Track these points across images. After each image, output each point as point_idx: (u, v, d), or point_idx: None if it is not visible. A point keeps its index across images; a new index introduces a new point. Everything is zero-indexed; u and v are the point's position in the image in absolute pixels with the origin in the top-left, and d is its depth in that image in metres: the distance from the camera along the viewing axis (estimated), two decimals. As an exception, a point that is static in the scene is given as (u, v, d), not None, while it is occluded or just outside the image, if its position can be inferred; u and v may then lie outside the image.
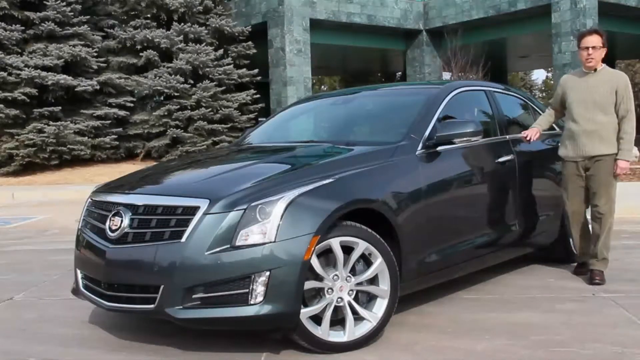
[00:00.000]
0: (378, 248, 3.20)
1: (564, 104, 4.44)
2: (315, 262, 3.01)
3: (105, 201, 3.51)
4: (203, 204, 3.00)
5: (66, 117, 15.46)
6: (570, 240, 4.61)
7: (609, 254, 4.36)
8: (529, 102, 5.14)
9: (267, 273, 2.89)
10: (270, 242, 2.91)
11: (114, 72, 16.53)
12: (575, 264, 4.64)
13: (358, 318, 3.18)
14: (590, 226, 4.46)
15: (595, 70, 4.29)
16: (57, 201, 11.20)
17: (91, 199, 3.69)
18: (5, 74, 14.93)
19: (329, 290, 3.09)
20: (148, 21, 16.89)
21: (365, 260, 3.22)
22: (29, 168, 15.18)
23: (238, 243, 2.92)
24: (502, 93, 4.79)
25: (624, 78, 4.27)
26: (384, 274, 3.22)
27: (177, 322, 3.00)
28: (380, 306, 3.23)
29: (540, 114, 4.77)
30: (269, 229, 2.92)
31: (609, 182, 4.27)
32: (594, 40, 4.25)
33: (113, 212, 3.29)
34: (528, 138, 4.42)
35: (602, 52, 4.27)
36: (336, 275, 3.11)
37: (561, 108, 4.51)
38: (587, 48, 4.25)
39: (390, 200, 3.40)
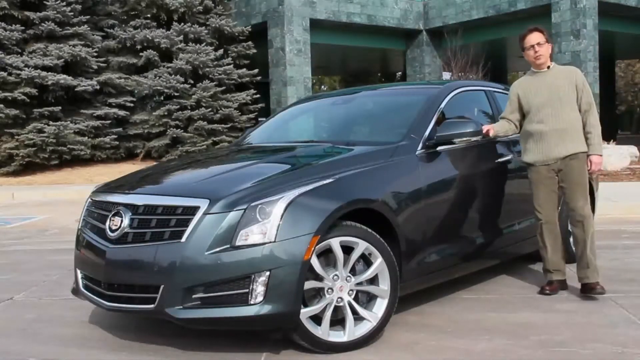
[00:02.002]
0: (378, 248, 3.21)
1: (521, 110, 4.12)
2: (315, 262, 3.01)
3: (105, 201, 3.51)
4: (203, 204, 3.00)
5: (66, 117, 15.45)
6: (543, 255, 4.14)
7: (596, 259, 4.04)
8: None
9: (267, 273, 2.89)
10: (270, 242, 2.91)
11: (114, 72, 16.51)
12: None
13: (358, 318, 3.18)
14: (562, 235, 4.18)
15: (548, 67, 4.11)
16: (57, 201, 11.19)
17: (91, 199, 3.70)
18: (5, 74, 14.92)
19: (329, 290, 3.09)
20: (148, 21, 16.87)
21: (365, 260, 3.22)
22: (29, 168, 15.16)
23: (238, 243, 2.92)
24: (502, 93, 4.80)
25: (579, 72, 4.12)
26: (384, 274, 3.23)
27: (177, 322, 3.00)
28: (380, 306, 3.23)
29: None
30: (269, 228, 2.93)
31: (584, 182, 4.04)
32: (536, 37, 4.05)
33: (113, 212, 3.29)
34: (486, 132, 4.03)
35: (549, 48, 4.08)
36: (336, 275, 3.11)
37: (520, 116, 4.15)
38: (532, 46, 4.04)
39: (390, 200, 3.40)
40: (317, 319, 3.07)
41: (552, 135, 4.00)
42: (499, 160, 4.29)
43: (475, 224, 4.06)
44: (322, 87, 43.79)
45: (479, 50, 18.80)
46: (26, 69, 14.95)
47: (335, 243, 3.08)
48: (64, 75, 15.28)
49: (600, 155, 4.04)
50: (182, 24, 16.66)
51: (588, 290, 3.97)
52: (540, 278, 4.39)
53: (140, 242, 3.10)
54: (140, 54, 16.45)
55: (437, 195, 3.73)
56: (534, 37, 4.06)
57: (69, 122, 15.20)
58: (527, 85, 4.14)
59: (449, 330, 3.46)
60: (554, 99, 4.01)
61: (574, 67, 4.17)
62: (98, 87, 15.90)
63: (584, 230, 4.01)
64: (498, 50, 24.15)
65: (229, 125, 16.61)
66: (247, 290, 2.90)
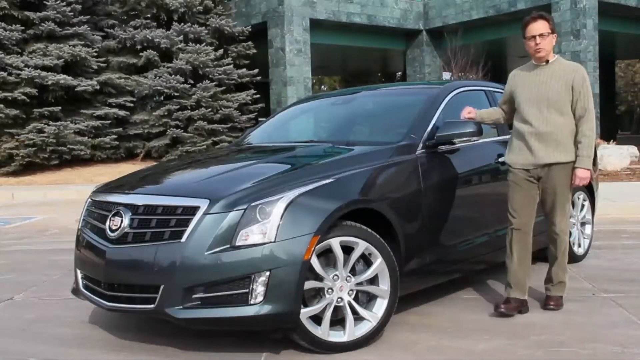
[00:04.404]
0: (378, 248, 3.21)
1: (513, 103, 3.82)
2: (315, 262, 3.01)
3: (105, 201, 3.51)
4: (203, 204, 3.00)
5: (66, 117, 15.45)
6: (508, 265, 3.77)
7: (566, 276, 3.81)
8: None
9: (267, 273, 2.89)
10: (270, 242, 2.91)
11: (114, 72, 16.52)
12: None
13: (358, 318, 3.18)
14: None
15: (547, 62, 3.68)
16: (57, 201, 11.19)
17: (91, 199, 3.70)
18: (5, 74, 14.92)
19: (329, 290, 3.09)
20: (148, 21, 16.89)
21: (365, 260, 3.22)
22: (29, 168, 15.16)
23: (238, 243, 2.92)
24: (502, 93, 4.79)
25: (581, 71, 3.64)
26: (384, 274, 3.23)
27: (177, 322, 3.00)
28: (380, 306, 3.23)
29: None
30: (269, 229, 2.93)
31: (565, 195, 3.66)
32: (541, 27, 3.62)
33: (113, 212, 3.29)
34: (467, 114, 3.85)
35: (552, 40, 3.65)
36: (336, 275, 3.11)
37: (510, 108, 3.89)
38: (534, 37, 3.61)
39: (390, 200, 3.40)
40: (317, 319, 3.07)
41: (534, 138, 3.63)
42: (499, 160, 4.29)
43: (475, 224, 4.06)
44: (322, 87, 43.80)
45: (479, 50, 18.81)
46: (26, 69, 14.95)
47: (335, 243, 3.08)
48: (64, 75, 15.28)
49: (587, 170, 3.59)
50: (182, 24, 16.67)
51: (547, 301, 3.79)
52: (540, 278, 4.39)
53: (140, 242, 3.10)
54: (140, 54, 16.46)
55: (437, 195, 3.73)
56: (538, 27, 3.63)
57: (69, 122, 15.20)
58: (520, 78, 3.78)
59: (449, 330, 3.46)
60: (542, 98, 3.62)
61: (577, 64, 3.72)
62: (98, 87, 15.90)
63: (556, 247, 3.75)
64: (498, 50, 24.15)
65: (229, 125, 16.62)
66: (247, 290, 2.90)
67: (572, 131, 3.63)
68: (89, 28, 16.25)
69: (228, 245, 2.92)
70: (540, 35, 3.62)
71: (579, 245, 5.00)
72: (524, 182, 3.71)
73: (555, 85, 3.62)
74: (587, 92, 3.63)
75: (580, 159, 3.60)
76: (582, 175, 3.59)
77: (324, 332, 3.07)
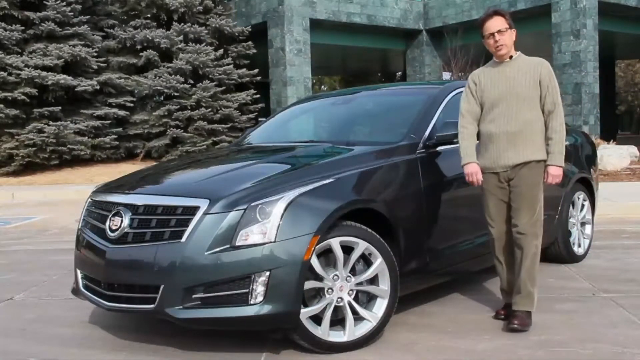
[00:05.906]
0: (378, 248, 3.21)
1: (479, 104, 3.58)
2: (315, 262, 3.01)
3: (105, 201, 3.51)
4: (203, 204, 3.00)
5: (66, 117, 15.45)
6: (499, 273, 3.69)
7: (535, 288, 3.47)
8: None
9: (267, 273, 2.89)
10: (270, 242, 2.91)
11: (114, 72, 16.51)
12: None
13: (358, 318, 3.18)
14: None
15: (511, 57, 3.52)
16: (57, 201, 11.19)
17: (91, 199, 3.70)
18: (5, 74, 14.91)
19: (329, 290, 3.09)
20: (148, 21, 16.88)
21: (365, 260, 3.22)
22: (29, 168, 15.16)
23: (238, 243, 2.92)
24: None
25: (546, 65, 3.49)
26: (384, 273, 3.23)
27: (177, 322, 3.00)
28: (380, 306, 3.23)
29: None
30: (269, 228, 2.93)
31: (533, 195, 3.44)
32: (498, 23, 3.46)
33: (113, 212, 3.29)
34: (476, 183, 3.53)
35: (512, 35, 3.48)
36: (336, 275, 3.11)
37: (479, 112, 3.59)
38: (493, 34, 3.45)
39: (390, 200, 3.40)
40: (317, 319, 3.08)
41: (501, 138, 3.45)
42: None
43: (475, 224, 4.05)
44: (322, 87, 43.80)
45: (479, 50, 18.75)
46: (26, 69, 14.94)
47: (335, 243, 3.08)
48: (64, 75, 15.27)
49: (560, 167, 3.43)
50: (182, 24, 16.66)
51: (511, 319, 3.43)
52: (540, 278, 4.38)
53: (140, 242, 3.10)
54: (140, 54, 16.45)
55: (437, 195, 3.73)
56: (495, 24, 3.47)
57: (69, 122, 15.19)
58: (486, 77, 3.57)
59: (449, 330, 3.46)
60: (510, 94, 3.44)
61: (541, 59, 3.55)
62: (98, 87, 15.89)
63: (522, 251, 3.45)
64: (498, 50, 24.13)
65: (229, 125, 16.61)
66: (247, 290, 2.90)
67: (541, 128, 3.47)
68: (89, 28, 16.24)
69: (228, 245, 2.92)
70: (499, 31, 3.46)
71: (579, 245, 5.00)
72: (496, 188, 3.53)
73: (523, 80, 3.46)
74: (555, 86, 3.48)
75: (551, 155, 3.44)
76: (555, 172, 3.44)
77: (324, 332, 3.07)
